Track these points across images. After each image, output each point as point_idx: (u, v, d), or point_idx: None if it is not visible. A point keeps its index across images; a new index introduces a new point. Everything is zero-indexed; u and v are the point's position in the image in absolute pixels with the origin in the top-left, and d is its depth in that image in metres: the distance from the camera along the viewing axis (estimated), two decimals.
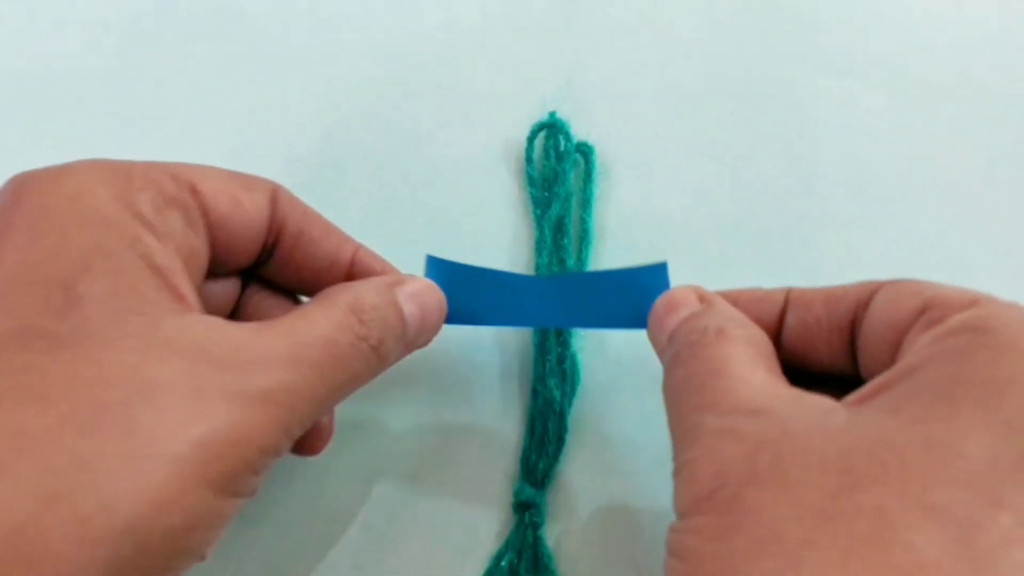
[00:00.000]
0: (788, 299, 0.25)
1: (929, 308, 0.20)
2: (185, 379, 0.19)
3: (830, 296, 0.24)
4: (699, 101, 0.37)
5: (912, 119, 0.36)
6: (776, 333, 0.25)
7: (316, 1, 0.40)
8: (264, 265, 0.26)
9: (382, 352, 0.24)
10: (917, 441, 0.17)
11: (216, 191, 0.23)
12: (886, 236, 0.34)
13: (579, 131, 0.36)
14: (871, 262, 0.34)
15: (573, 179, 0.35)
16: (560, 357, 0.31)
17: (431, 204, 0.35)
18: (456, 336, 0.31)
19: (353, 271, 0.27)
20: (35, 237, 0.20)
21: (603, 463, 0.30)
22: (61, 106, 0.37)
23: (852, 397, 0.20)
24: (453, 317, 0.28)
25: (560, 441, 0.30)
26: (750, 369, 0.21)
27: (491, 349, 0.32)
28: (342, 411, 0.27)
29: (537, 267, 0.33)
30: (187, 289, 0.22)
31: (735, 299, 0.26)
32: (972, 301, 0.20)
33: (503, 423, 0.31)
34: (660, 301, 0.26)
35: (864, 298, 0.23)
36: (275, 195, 0.25)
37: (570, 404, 0.31)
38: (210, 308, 0.25)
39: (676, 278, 0.30)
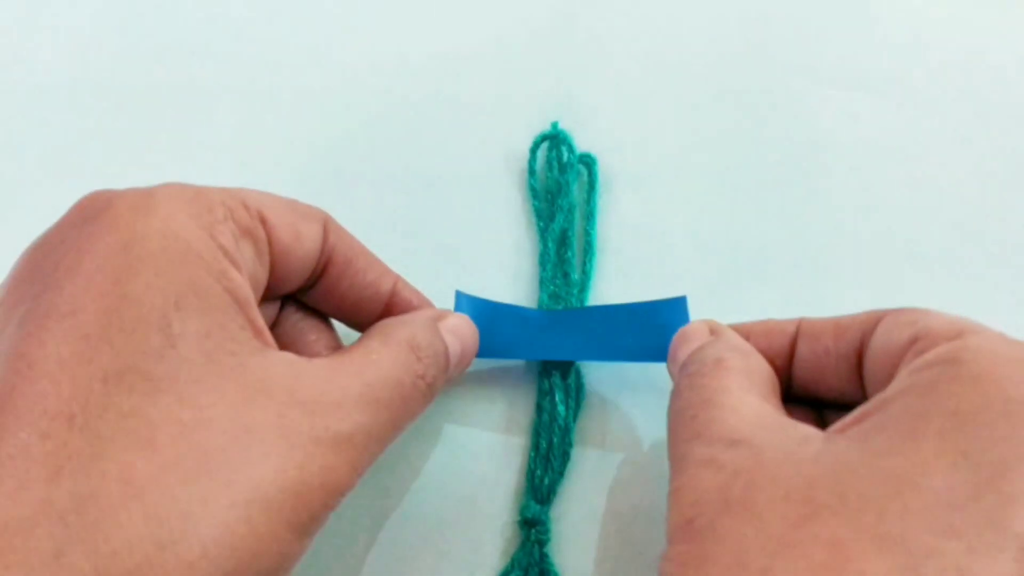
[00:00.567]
0: (799, 330, 0.26)
1: (919, 339, 0.21)
2: (276, 422, 0.20)
3: (838, 326, 0.25)
4: (703, 111, 0.37)
5: (918, 132, 0.36)
6: (788, 363, 0.26)
7: (320, 14, 0.39)
8: (306, 291, 0.26)
9: (435, 389, 0.25)
10: (878, 473, 0.18)
11: (280, 222, 0.24)
12: (891, 248, 0.34)
13: (582, 142, 0.36)
14: (875, 274, 0.34)
15: (576, 191, 0.35)
16: (565, 372, 0.31)
17: (433, 217, 0.35)
18: None
19: (392, 302, 0.27)
20: (129, 272, 0.20)
21: (609, 479, 0.30)
22: (68, 119, 0.37)
23: (835, 427, 0.20)
24: (482, 351, 0.29)
25: (566, 456, 0.30)
26: (741, 398, 0.22)
27: (496, 364, 0.32)
28: None
29: (541, 280, 0.33)
30: (262, 323, 0.22)
31: (747, 332, 0.26)
32: (958, 332, 0.20)
33: (508, 439, 0.31)
34: (676, 335, 0.27)
35: (869, 328, 0.23)
36: (326, 225, 0.25)
37: (575, 419, 0.31)
38: None
39: (680, 291, 0.30)
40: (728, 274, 0.33)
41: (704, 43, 0.38)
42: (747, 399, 0.22)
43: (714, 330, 0.27)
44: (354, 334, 0.29)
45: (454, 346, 0.26)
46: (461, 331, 0.27)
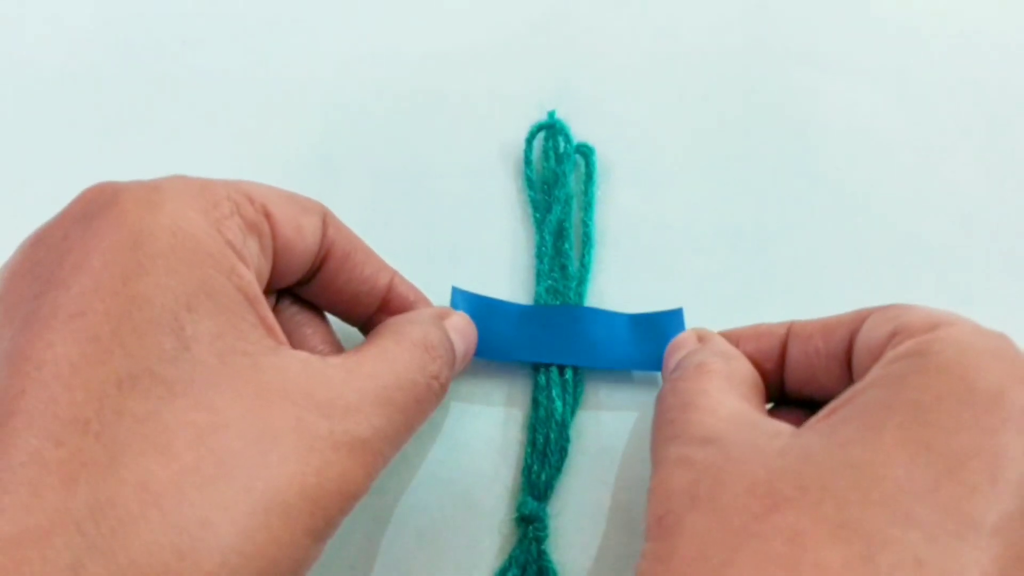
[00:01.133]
0: (789, 332, 0.26)
1: (897, 333, 0.21)
2: (294, 425, 0.19)
3: (827, 326, 0.25)
4: (701, 100, 0.37)
5: (916, 121, 0.36)
6: (780, 366, 0.26)
7: (314, 8, 0.39)
8: (302, 285, 0.26)
9: (446, 390, 0.25)
10: (839, 463, 0.18)
11: (283, 216, 0.23)
12: (889, 238, 0.34)
13: (579, 132, 0.35)
14: (875, 264, 0.33)
15: (573, 181, 0.34)
16: (562, 367, 0.30)
17: (427, 209, 0.34)
18: None
19: (389, 297, 0.27)
20: (138, 271, 0.19)
21: (606, 475, 0.30)
22: (61, 111, 0.37)
23: (808, 422, 0.21)
24: (479, 351, 0.29)
25: (563, 452, 0.30)
26: (720, 399, 0.22)
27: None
28: None
29: (538, 273, 0.32)
30: (273, 319, 0.21)
31: (736, 337, 0.27)
32: (933, 325, 0.20)
33: (505, 434, 0.30)
34: (668, 345, 0.28)
35: (856, 326, 0.23)
36: (325, 219, 0.25)
37: (572, 415, 0.30)
38: None
39: (678, 281, 0.30)
40: (727, 264, 0.33)
41: (703, 32, 0.38)
42: (725, 400, 0.22)
43: (702, 337, 0.27)
44: (348, 328, 0.29)
45: (459, 345, 0.26)
46: (464, 330, 0.27)
